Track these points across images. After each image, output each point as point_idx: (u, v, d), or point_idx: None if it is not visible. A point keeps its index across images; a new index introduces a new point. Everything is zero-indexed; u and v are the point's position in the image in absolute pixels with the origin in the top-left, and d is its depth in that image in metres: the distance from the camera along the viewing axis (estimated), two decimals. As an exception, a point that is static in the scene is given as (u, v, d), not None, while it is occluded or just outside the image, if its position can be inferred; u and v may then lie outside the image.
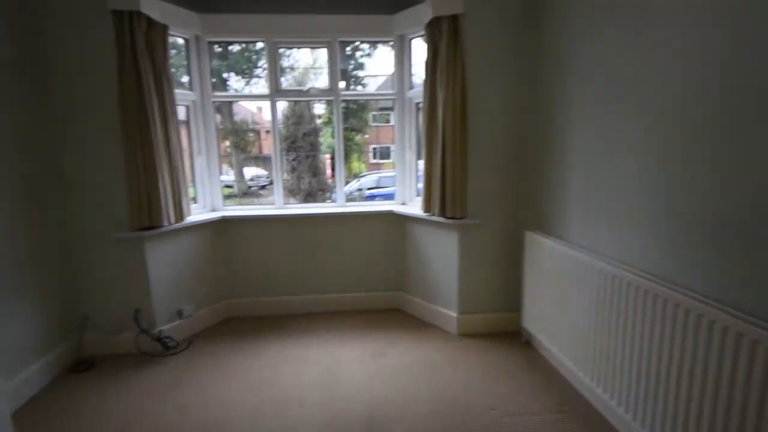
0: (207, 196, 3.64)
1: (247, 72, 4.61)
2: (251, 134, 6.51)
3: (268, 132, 3.83)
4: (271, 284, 3.68)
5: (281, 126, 4.22)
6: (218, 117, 4.02)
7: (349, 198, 4.02)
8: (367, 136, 6.60)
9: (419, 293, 3.61)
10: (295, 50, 4.29)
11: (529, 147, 3.06)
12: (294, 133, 5.22)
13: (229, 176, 5.83)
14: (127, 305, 3.03)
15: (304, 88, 3.78)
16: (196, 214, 3.47)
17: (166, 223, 3.02)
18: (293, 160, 5.14)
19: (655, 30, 1.86)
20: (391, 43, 3.62)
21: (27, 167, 2.63)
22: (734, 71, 1.51)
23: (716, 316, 1.52)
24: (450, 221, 3.15)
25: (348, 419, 2.32)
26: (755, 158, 1.44)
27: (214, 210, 3.66)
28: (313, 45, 3.74)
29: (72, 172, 2.90)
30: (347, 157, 4.96)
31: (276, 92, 3.62)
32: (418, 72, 3.62)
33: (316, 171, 5.31)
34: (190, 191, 3.48)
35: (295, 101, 5.20)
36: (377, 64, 4.81)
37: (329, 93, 3.68)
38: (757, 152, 1.43)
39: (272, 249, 3.63)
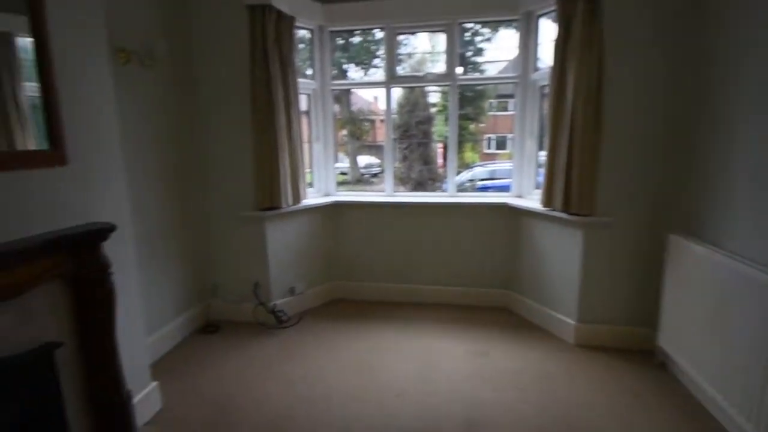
0: (322, 181, 3.78)
1: (366, 63, 4.68)
2: (366, 123, 6.67)
3: (382, 121, 3.84)
4: (376, 270, 3.70)
5: (395, 114, 4.20)
6: (336, 107, 4.15)
7: (460, 188, 3.86)
8: (482, 125, 6.30)
9: (531, 294, 3.32)
10: (412, 37, 4.22)
11: (676, 138, 2.57)
12: (407, 122, 5.19)
13: (343, 164, 6.06)
14: (249, 279, 3.29)
15: (420, 74, 3.69)
16: (312, 197, 3.63)
17: (284, 205, 3.20)
18: (405, 148, 5.12)
19: None
20: (515, 23, 3.34)
21: (176, 155, 2.98)
22: None
23: None
24: (574, 218, 2.80)
25: (444, 416, 2.21)
26: None
27: (327, 195, 3.79)
28: (432, 29, 3.62)
29: (210, 158, 3.22)
30: (460, 147, 4.75)
31: (392, 79, 3.59)
32: (544, 56, 3.29)
33: (427, 160, 5.22)
34: (307, 176, 3.64)
35: (411, 89, 5.15)
36: (497, 50, 4.51)
37: (446, 78, 3.54)
38: None
39: (379, 236, 3.64)
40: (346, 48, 4.55)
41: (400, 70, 3.67)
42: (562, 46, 2.77)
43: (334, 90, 3.76)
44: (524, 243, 3.34)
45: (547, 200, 2.98)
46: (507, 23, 3.75)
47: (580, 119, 2.66)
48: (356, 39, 4.52)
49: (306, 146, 3.60)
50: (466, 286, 3.60)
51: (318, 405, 2.31)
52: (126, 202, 2.09)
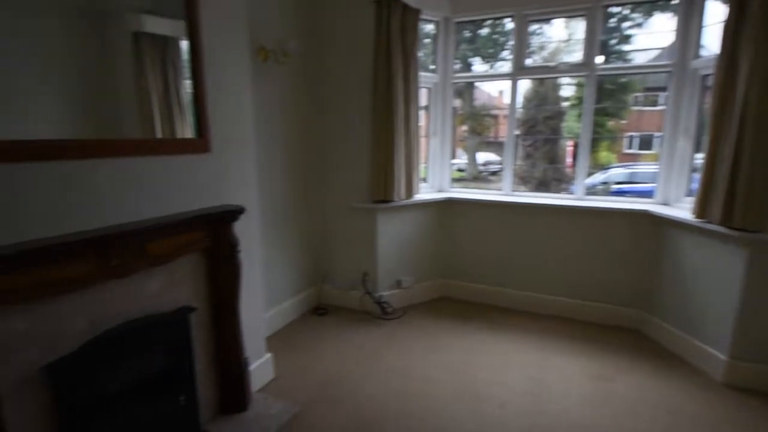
0: (436, 176, 3.73)
1: (492, 56, 4.48)
2: (489, 118, 6.41)
3: (506, 117, 3.63)
4: (487, 272, 3.54)
5: (520, 108, 3.94)
6: (457, 101, 4.05)
7: (590, 191, 3.47)
8: (623, 121, 5.59)
9: (670, 317, 2.85)
10: (546, 26, 3.91)
11: None
12: (534, 117, 4.85)
13: (461, 160, 5.92)
14: (358, 268, 3.40)
15: (552, 64, 3.39)
16: (424, 192, 3.60)
17: (396, 199, 3.23)
18: (529, 145, 4.80)
19: None
20: (673, 5, 2.85)
21: (301, 146, 3.20)
22: None
23: None
24: (736, 233, 2.32)
25: (552, 442, 2.01)
26: None
27: (441, 191, 3.73)
28: (570, 14, 3.30)
29: (331, 150, 3.39)
30: (594, 145, 4.29)
31: (519, 70, 3.37)
32: (709, 41, 2.77)
33: (553, 158, 4.82)
34: (422, 171, 3.61)
35: (540, 81, 4.80)
36: (648, 37, 3.94)
37: (582, 68, 3.20)
38: None
39: (493, 236, 3.47)
40: (472, 41, 4.40)
41: (530, 63, 3.42)
42: (733, 28, 2.29)
43: (456, 83, 3.66)
44: (667, 258, 2.88)
45: (702, 210, 2.51)
46: (663, 5, 3.25)
47: (753, 115, 2.18)
48: (484, 31, 4.35)
49: (423, 141, 3.58)
50: (589, 300, 3.24)
51: (413, 400, 2.29)
52: (255, 188, 2.29)
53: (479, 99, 6.27)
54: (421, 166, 3.56)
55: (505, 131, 3.62)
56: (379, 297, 3.34)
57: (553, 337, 2.99)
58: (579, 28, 3.25)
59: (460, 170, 5.60)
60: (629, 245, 3.04)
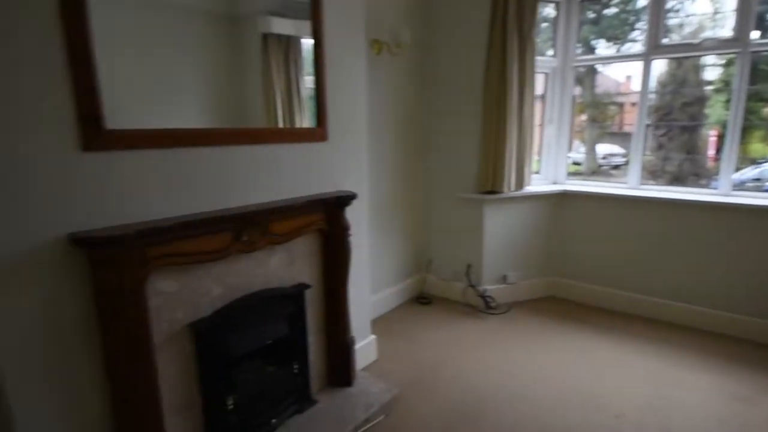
0: (550, 167, 3.50)
1: (619, 37, 4.04)
2: (613, 106, 5.81)
3: (634, 104, 3.27)
4: (605, 273, 3.24)
5: (653, 94, 3.51)
6: (578, 89, 3.75)
7: (739, 187, 2.98)
8: (787, 106, 4.67)
9: None
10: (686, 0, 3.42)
11: None
12: (669, 104, 4.26)
13: (579, 153, 5.46)
14: (462, 260, 3.35)
15: (695, 41, 2.96)
16: (536, 184, 3.40)
17: (506, 190, 3.10)
18: (662, 135, 4.24)
19: None
20: None
21: (410, 135, 3.25)
22: None
23: None
24: None
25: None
26: None
27: (555, 183, 3.50)
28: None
29: (439, 138, 3.37)
30: (745, 135, 3.67)
31: (654, 49, 3.00)
32: None
33: (692, 150, 4.20)
34: (534, 161, 3.42)
35: (678, 62, 4.21)
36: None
37: (733, 45, 2.75)
38: None
39: (614, 234, 3.16)
40: (596, 21, 4.03)
41: (666, 42, 3.02)
42: None
43: (577, 67, 3.39)
44: None
45: None
46: None
47: None
48: (611, 10, 3.95)
49: (537, 130, 3.38)
50: (733, 312, 2.79)
51: (517, 399, 2.20)
52: (366, 176, 2.38)
53: (601, 85, 5.72)
54: (534, 157, 3.37)
55: (631, 120, 3.26)
56: (483, 290, 3.26)
57: (679, 348, 2.65)
58: (731, -2, 2.79)
59: (576, 164, 5.18)
60: (792, 253, 2.55)
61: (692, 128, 4.24)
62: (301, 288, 2.01)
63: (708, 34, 3.23)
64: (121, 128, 1.38)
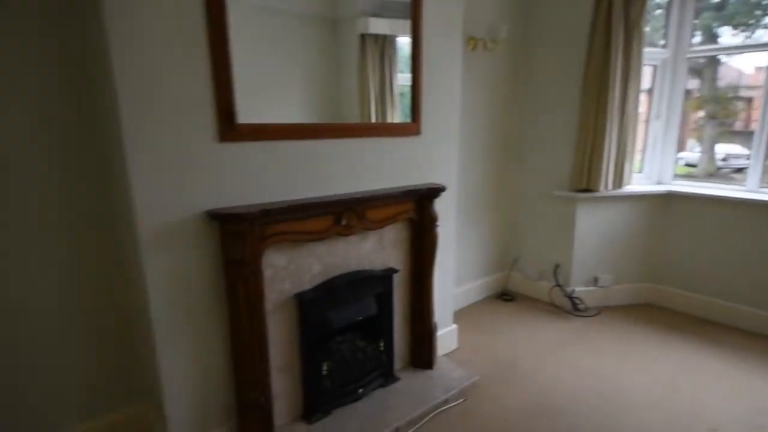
0: (656, 166, 3.27)
1: (748, 23, 3.61)
2: (738, 102, 5.17)
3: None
4: (710, 281, 2.97)
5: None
6: (694, 82, 3.44)
7: None
8: None
9: None
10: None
11: None
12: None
13: (694, 153, 4.96)
14: (550, 258, 3.28)
15: None
16: (637, 184, 3.20)
17: (602, 189, 2.98)
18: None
19: None
20: None
21: (501, 130, 3.24)
22: None
23: None
24: None
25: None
26: None
27: (659, 183, 3.26)
28: None
29: (532, 134, 3.32)
30: None
31: (789, 37, 2.66)
32: None
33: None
34: (636, 159, 3.22)
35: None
36: None
37: None
38: None
39: (723, 240, 2.88)
40: (720, 7, 3.63)
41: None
42: None
43: (692, 58, 3.12)
44: None
45: None
46: None
47: None
48: (741, -8, 3.53)
49: (641, 127, 3.18)
50: None
51: (602, 401, 2.15)
52: (456, 170, 2.46)
53: (725, 78, 5.11)
54: (636, 155, 3.17)
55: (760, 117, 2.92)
56: (571, 291, 3.17)
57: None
58: None
59: (689, 165, 4.71)
60: None
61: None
62: (390, 272, 2.17)
63: None
64: (246, 123, 1.62)
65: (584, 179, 3.00)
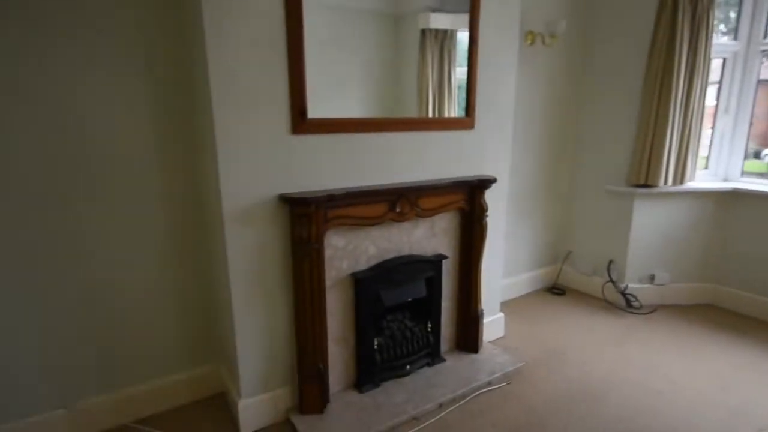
0: (722, 162, 3.13)
1: None
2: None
3: None
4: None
5: None
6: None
7: None
8: None
9: None
10: None
11: None
12: None
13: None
14: (603, 254, 3.25)
15: None
16: (701, 180, 3.09)
17: (661, 184, 2.91)
18: None
19: None
20: None
21: (557, 123, 3.24)
22: None
23: None
24: None
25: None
26: None
27: (726, 180, 3.12)
28: None
29: (588, 128, 3.29)
30: None
31: None
32: None
33: None
34: (701, 155, 3.10)
35: None
36: None
37: None
38: None
39: (800, 244, 2.73)
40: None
41: None
42: None
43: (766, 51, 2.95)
44: None
45: None
46: None
47: None
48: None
49: (708, 120, 3.05)
50: None
51: (648, 395, 2.15)
52: (507, 162, 2.53)
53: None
54: (701, 150, 3.05)
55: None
56: (624, 288, 3.13)
57: None
58: None
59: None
60: None
61: None
62: (440, 258, 2.30)
63: None
64: (315, 117, 1.81)
65: (643, 174, 2.95)
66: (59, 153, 1.69)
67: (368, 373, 2.15)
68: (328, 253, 1.95)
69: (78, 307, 1.83)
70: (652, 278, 3.15)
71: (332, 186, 1.92)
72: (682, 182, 2.95)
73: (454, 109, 2.29)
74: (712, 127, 3.10)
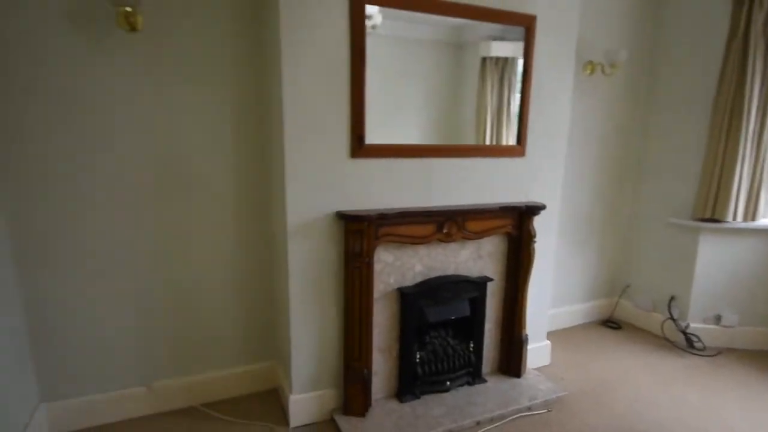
0: (803, 200, 2.90)
1: None
2: None
3: None
4: None
5: None
6: None
7: None
8: None
9: None
10: None
11: None
12: None
13: None
14: (664, 289, 3.12)
15: None
16: (777, 218, 2.89)
17: (730, 219, 2.77)
18: None
19: None
20: None
21: (614, 154, 3.20)
22: None
23: None
24: None
25: None
26: None
27: (808, 219, 2.89)
28: None
29: (650, 159, 3.21)
30: None
31: None
32: None
33: None
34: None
35: None
36: None
37: None
38: None
39: None
40: None
41: None
42: None
43: None
44: None
45: None
46: None
47: None
48: None
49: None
50: None
51: (702, 443, 2.06)
52: (559, 190, 2.56)
53: None
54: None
55: None
56: (686, 326, 2.97)
57: None
58: None
59: None
60: None
61: None
62: (485, 280, 2.37)
63: None
64: (372, 144, 2.00)
65: (709, 208, 2.82)
66: (164, 174, 2.03)
67: (409, 384, 2.26)
68: (377, 267, 2.12)
69: (163, 299, 2.14)
70: (718, 319, 2.96)
71: (384, 205, 2.09)
72: (754, 218, 2.78)
73: (512, 135, 2.37)
74: (794, 162, 2.90)
